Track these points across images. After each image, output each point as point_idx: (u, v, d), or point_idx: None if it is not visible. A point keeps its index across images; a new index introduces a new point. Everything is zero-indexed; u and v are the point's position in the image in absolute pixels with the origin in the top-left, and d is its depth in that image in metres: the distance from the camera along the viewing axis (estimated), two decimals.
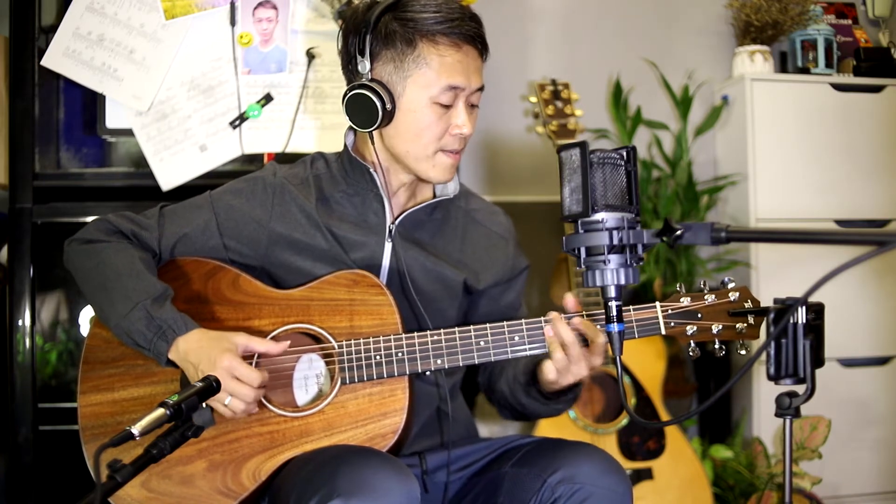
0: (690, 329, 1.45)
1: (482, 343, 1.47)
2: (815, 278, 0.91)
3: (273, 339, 1.50)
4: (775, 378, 1.02)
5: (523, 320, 1.48)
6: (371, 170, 1.55)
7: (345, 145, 1.60)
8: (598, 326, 1.46)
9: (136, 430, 1.08)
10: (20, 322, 2.15)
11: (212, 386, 1.25)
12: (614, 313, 1.17)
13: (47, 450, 2.14)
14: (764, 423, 2.79)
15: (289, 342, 1.48)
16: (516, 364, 1.61)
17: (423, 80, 1.47)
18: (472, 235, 1.67)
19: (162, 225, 1.56)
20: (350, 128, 1.61)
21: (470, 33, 1.48)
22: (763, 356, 1.02)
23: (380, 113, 1.47)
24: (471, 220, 1.68)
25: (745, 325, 1.44)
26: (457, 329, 1.48)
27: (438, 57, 1.47)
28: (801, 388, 1.02)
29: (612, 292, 1.15)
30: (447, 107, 1.49)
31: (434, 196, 1.64)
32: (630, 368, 2.48)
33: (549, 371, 1.45)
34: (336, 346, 1.47)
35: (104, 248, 1.52)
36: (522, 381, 1.57)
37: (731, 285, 1.45)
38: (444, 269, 1.59)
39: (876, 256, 0.87)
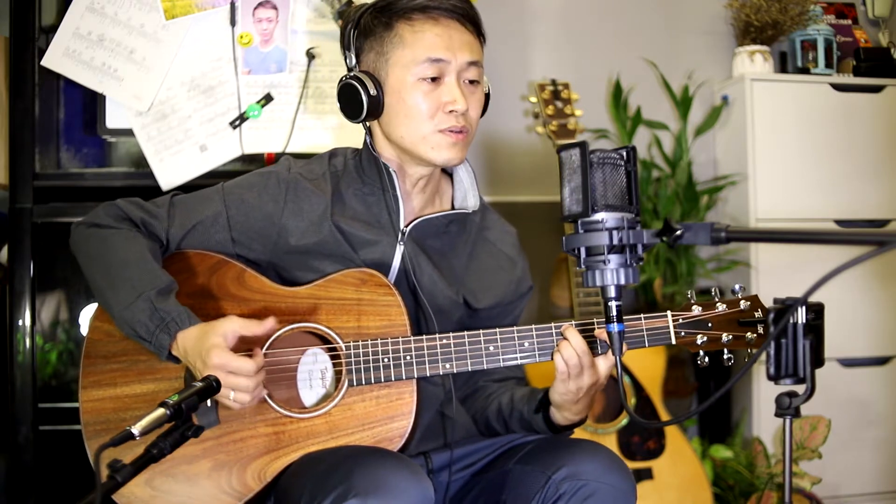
0: (700, 339, 1.45)
1: (491, 348, 1.46)
2: (815, 278, 0.91)
3: (277, 339, 1.49)
4: (775, 378, 1.02)
5: (533, 326, 1.46)
6: (390, 168, 1.53)
7: (364, 143, 1.58)
8: (598, 327, 1.46)
9: (136, 430, 1.08)
10: (20, 322, 2.15)
11: (212, 385, 1.25)
12: (614, 313, 1.17)
13: (47, 450, 2.14)
14: (764, 423, 2.79)
15: (274, 319, 1.43)
16: (511, 400, 1.59)
17: (403, 58, 1.47)
18: (480, 254, 1.64)
19: (172, 216, 1.54)
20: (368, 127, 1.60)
21: (446, 6, 1.47)
22: (763, 356, 1.02)
23: (364, 101, 1.47)
24: (482, 237, 1.65)
25: (755, 334, 1.44)
26: (466, 333, 1.46)
27: (413, 33, 1.46)
28: (800, 388, 1.02)
29: (611, 292, 1.15)
30: (436, 85, 1.47)
31: (453, 208, 1.62)
32: (630, 368, 2.48)
33: (558, 385, 1.45)
34: (343, 348, 1.46)
35: (112, 234, 1.50)
36: (525, 412, 1.55)
37: (740, 294, 1.45)
38: (444, 288, 1.56)
39: (876, 256, 0.87)
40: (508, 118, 2.93)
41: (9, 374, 2.15)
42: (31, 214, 2.15)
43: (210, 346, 1.36)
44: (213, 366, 1.34)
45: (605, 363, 1.43)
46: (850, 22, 3.23)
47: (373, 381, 1.45)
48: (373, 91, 1.47)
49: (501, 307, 1.66)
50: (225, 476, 1.43)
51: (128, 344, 1.49)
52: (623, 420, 2.41)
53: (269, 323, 1.41)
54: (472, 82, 1.50)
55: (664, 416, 2.47)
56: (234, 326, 1.38)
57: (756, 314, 1.45)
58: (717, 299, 1.46)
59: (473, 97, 1.50)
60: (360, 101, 1.47)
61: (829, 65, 3.01)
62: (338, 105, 1.54)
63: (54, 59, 2.15)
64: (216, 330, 1.38)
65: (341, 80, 1.51)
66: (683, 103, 3.01)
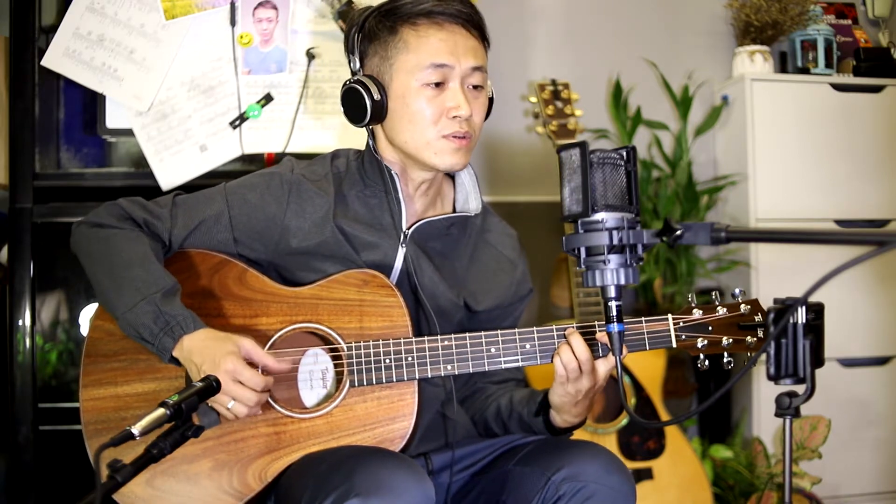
0: (701, 342, 1.45)
1: (493, 350, 1.46)
2: (815, 278, 0.91)
3: (280, 339, 1.49)
4: (775, 378, 1.02)
5: (535, 328, 1.46)
6: (393, 171, 1.52)
7: (367, 145, 1.58)
8: (600, 330, 1.46)
9: (136, 430, 1.08)
10: (20, 322, 2.15)
11: (212, 386, 1.25)
12: (614, 313, 1.17)
13: (47, 450, 2.14)
14: (764, 423, 2.79)
15: (291, 364, 1.47)
16: (510, 402, 1.59)
17: (407, 63, 1.46)
18: (481, 256, 1.64)
19: (175, 216, 1.53)
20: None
21: (451, 12, 1.47)
22: (763, 356, 1.02)
23: (368, 105, 1.46)
24: (482, 240, 1.65)
25: (755, 338, 1.45)
26: (467, 335, 1.46)
27: (418, 38, 1.46)
28: (800, 388, 1.02)
29: (611, 292, 1.15)
30: (440, 90, 1.46)
31: (454, 211, 1.62)
32: (630, 368, 2.48)
33: (556, 387, 1.45)
34: (345, 348, 1.46)
35: (114, 234, 1.49)
36: (525, 414, 1.56)
37: (740, 298, 1.46)
38: (445, 290, 1.56)
39: (876, 256, 0.87)
40: (508, 118, 2.93)
41: (9, 374, 2.15)
42: (31, 214, 2.16)
43: (227, 351, 1.37)
44: (224, 370, 1.34)
45: (604, 366, 1.43)
46: (850, 22, 3.24)
47: (374, 382, 1.45)
48: (377, 95, 1.47)
49: (501, 309, 1.66)
50: (226, 476, 1.44)
51: (128, 343, 1.49)
52: (623, 420, 2.41)
53: (283, 366, 1.44)
54: (476, 87, 1.50)
55: (664, 416, 2.47)
56: (249, 346, 1.40)
57: (756, 318, 1.45)
58: (717, 303, 1.47)
59: (477, 102, 1.50)
60: (363, 105, 1.47)
61: (829, 65, 3.01)
62: (338, 105, 1.53)
63: (54, 59, 2.15)
64: (234, 340, 1.40)
65: (345, 83, 1.50)
66: (683, 103, 3.01)
